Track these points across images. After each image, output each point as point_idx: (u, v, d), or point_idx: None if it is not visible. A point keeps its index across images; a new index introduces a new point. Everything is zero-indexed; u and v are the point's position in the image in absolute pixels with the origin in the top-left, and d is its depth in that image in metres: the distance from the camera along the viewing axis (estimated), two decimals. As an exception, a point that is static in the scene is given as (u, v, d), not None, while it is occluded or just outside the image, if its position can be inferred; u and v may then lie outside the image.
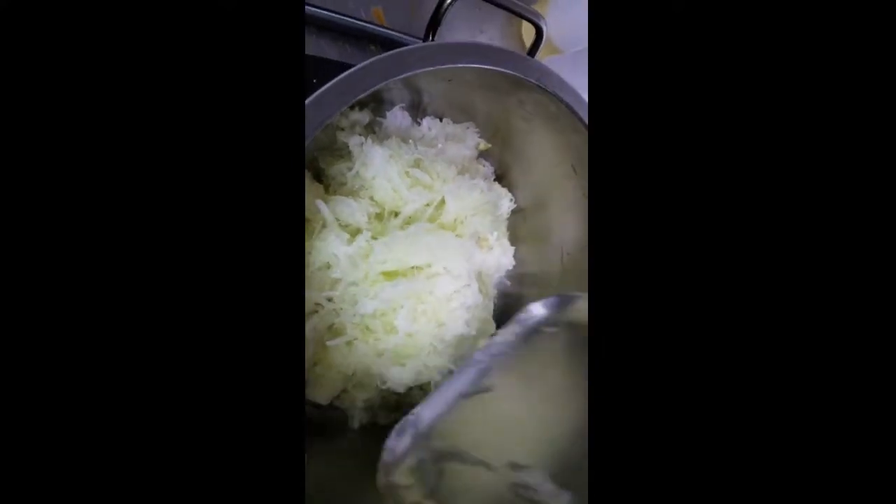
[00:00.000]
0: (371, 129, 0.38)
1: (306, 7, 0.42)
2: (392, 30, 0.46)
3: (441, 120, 0.40)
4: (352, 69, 0.24)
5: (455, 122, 0.40)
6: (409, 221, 0.35)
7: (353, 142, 0.34)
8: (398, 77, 0.24)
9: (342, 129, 0.37)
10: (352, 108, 0.37)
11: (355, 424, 0.41)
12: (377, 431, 0.43)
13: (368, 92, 0.24)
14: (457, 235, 0.37)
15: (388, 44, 0.46)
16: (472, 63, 0.27)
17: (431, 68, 0.25)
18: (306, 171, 0.35)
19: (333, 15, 0.43)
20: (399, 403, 0.44)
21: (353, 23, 0.44)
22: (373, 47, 0.46)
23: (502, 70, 0.28)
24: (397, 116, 0.39)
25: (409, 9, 0.48)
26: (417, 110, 0.40)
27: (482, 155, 0.44)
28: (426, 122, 0.40)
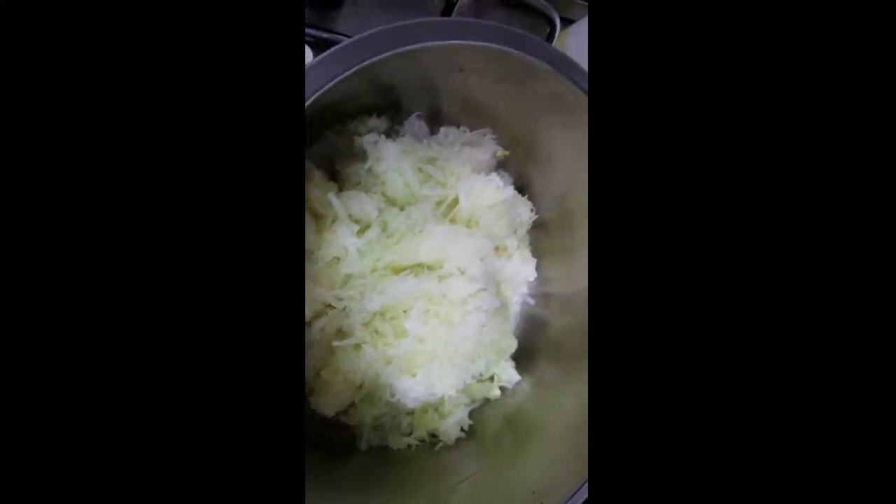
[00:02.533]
0: (388, 136, 0.39)
1: (333, 34, 0.45)
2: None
3: (458, 128, 0.40)
4: (352, 38, 0.24)
5: (473, 129, 0.40)
6: (420, 218, 0.34)
7: (368, 139, 0.35)
8: (400, 50, 0.25)
9: (360, 135, 0.38)
10: (369, 114, 0.38)
11: (363, 445, 0.38)
12: (388, 457, 0.39)
13: (371, 61, 0.24)
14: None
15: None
16: (480, 41, 0.27)
17: (437, 43, 0.25)
18: (321, 171, 0.35)
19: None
20: (412, 426, 0.40)
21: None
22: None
23: (511, 51, 0.28)
24: (414, 125, 0.40)
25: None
26: (436, 120, 0.40)
27: (501, 166, 0.43)
28: (443, 130, 0.40)
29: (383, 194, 0.35)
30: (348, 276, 0.33)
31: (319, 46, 0.46)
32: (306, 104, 0.24)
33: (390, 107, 0.39)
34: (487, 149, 0.40)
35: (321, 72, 0.23)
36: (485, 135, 0.40)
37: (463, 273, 0.35)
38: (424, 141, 0.37)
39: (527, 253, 0.42)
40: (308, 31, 0.45)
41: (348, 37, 0.45)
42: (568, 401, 0.40)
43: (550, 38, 0.34)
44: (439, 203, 0.35)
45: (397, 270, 0.33)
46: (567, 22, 0.54)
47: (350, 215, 0.33)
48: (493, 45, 0.27)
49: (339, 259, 0.33)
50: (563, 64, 0.30)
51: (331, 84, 0.23)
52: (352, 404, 0.37)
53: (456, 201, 0.36)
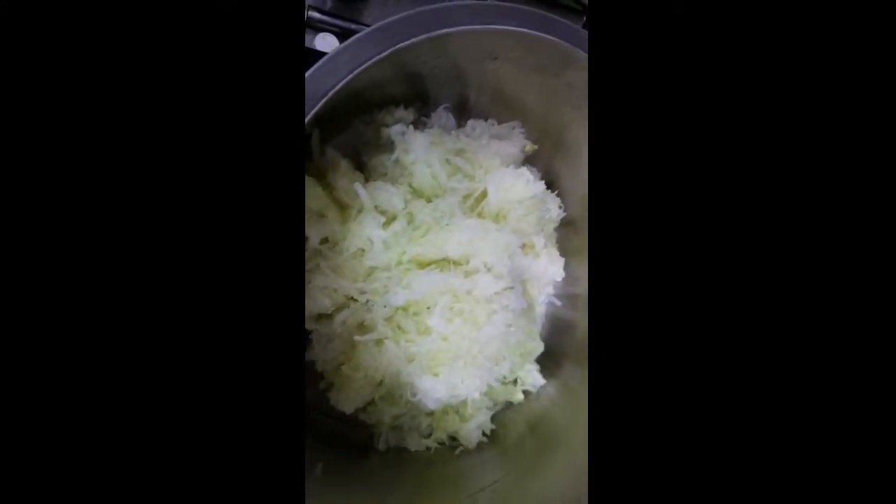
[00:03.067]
0: (416, 127, 0.38)
1: (360, 25, 0.45)
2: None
3: (486, 120, 0.39)
4: (385, 21, 0.23)
5: (501, 122, 0.39)
6: (447, 211, 0.33)
7: (396, 130, 0.34)
8: (438, 33, 0.24)
9: (387, 126, 0.37)
10: (396, 104, 0.37)
11: (381, 445, 0.37)
12: (405, 458, 0.38)
13: (406, 44, 0.23)
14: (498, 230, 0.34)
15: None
16: (522, 27, 0.25)
17: (476, 27, 0.24)
18: (347, 160, 0.34)
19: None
20: (432, 428, 0.39)
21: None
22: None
23: (553, 39, 0.27)
24: (441, 116, 0.38)
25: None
26: (463, 111, 0.39)
27: (529, 160, 0.42)
28: (471, 123, 0.39)
29: (410, 186, 0.34)
30: (372, 269, 0.32)
31: (346, 38, 0.45)
32: (336, 88, 0.23)
33: (417, 97, 0.38)
34: (516, 142, 0.39)
35: (354, 54, 0.23)
36: (513, 128, 0.39)
37: (490, 270, 0.34)
38: (453, 133, 0.36)
39: (554, 251, 0.41)
40: (336, 21, 0.45)
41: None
42: (594, 407, 0.38)
43: (585, 27, 0.32)
44: (467, 196, 0.34)
45: (422, 264, 0.32)
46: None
47: (376, 206, 0.32)
48: (535, 32, 0.26)
49: (363, 251, 0.32)
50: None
51: (363, 67, 0.22)
52: (371, 402, 0.36)
53: (484, 194, 0.34)
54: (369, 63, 0.23)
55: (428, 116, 0.39)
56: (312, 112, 0.22)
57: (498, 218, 0.35)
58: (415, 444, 0.38)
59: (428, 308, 0.33)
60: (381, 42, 0.23)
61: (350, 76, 0.23)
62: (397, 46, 0.23)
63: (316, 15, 0.40)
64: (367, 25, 0.45)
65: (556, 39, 0.27)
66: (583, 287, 0.44)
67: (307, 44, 0.45)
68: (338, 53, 0.23)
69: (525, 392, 0.41)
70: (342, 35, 0.45)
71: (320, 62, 0.22)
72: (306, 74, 0.22)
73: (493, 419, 0.40)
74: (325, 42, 0.45)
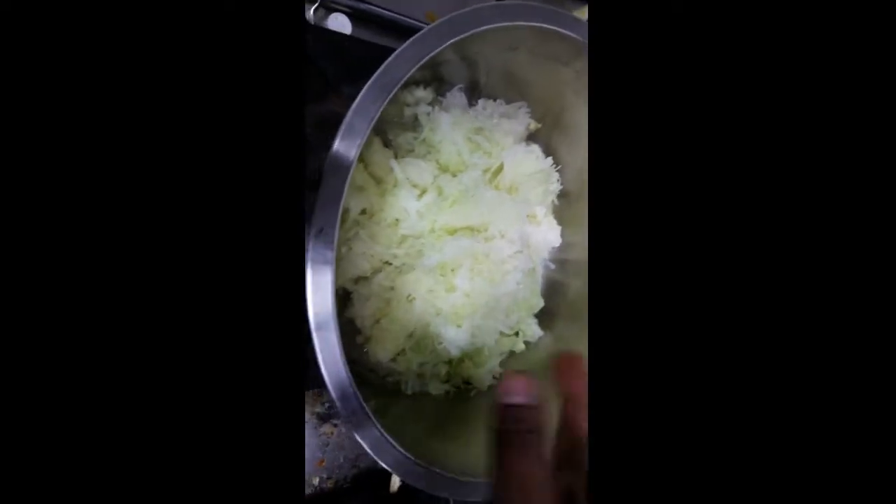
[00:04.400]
0: (432, 106, 0.42)
1: (370, 5, 0.47)
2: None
3: (495, 101, 0.43)
4: (425, 28, 0.27)
5: (509, 102, 0.43)
6: (471, 184, 0.37)
7: (422, 110, 0.38)
8: (466, 34, 0.27)
9: (408, 105, 0.40)
10: (416, 85, 0.41)
11: (409, 390, 0.42)
12: (427, 401, 0.44)
13: (443, 47, 0.27)
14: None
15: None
16: (540, 22, 0.30)
17: (506, 24, 0.28)
18: (377, 138, 0.38)
19: (392, 14, 0.48)
20: (450, 375, 0.45)
21: (409, 21, 0.49)
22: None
23: (565, 32, 0.31)
24: (455, 96, 0.42)
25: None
26: (474, 92, 0.43)
27: (531, 137, 0.47)
28: (481, 102, 0.43)
29: (437, 161, 0.38)
30: (404, 237, 0.36)
31: (357, 17, 0.48)
32: (397, 87, 0.27)
33: (434, 79, 0.42)
34: (522, 121, 0.43)
35: (410, 55, 0.26)
36: (520, 108, 0.43)
37: (503, 236, 0.39)
38: (469, 112, 0.40)
39: (553, 220, 0.46)
40: (347, 1, 0.47)
41: (384, 9, 0.47)
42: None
43: (592, 20, 0.37)
44: (486, 170, 0.38)
45: (451, 232, 0.37)
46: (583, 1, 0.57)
47: (409, 180, 0.36)
48: (553, 27, 0.30)
49: (398, 220, 0.36)
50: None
51: (423, 61, 0.26)
52: (402, 352, 0.41)
53: (500, 169, 0.39)
54: (416, 67, 0.27)
55: (443, 96, 0.42)
56: (385, 102, 0.26)
57: (511, 190, 0.40)
58: (436, 388, 0.43)
59: (453, 270, 0.38)
60: (434, 41, 0.27)
61: (405, 79, 0.26)
62: (440, 48, 0.27)
63: (328, -5, 0.42)
64: (376, 6, 0.48)
65: (571, 33, 0.31)
66: (573, 253, 0.50)
67: (320, 23, 0.47)
68: (403, 51, 0.26)
69: (526, 343, 0.48)
70: (353, 15, 0.47)
71: (389, 59, 0.26)
72: (381, 68, 0.26)
73: (500, 366, 0.46)
74: (336, 22, 0.48)
